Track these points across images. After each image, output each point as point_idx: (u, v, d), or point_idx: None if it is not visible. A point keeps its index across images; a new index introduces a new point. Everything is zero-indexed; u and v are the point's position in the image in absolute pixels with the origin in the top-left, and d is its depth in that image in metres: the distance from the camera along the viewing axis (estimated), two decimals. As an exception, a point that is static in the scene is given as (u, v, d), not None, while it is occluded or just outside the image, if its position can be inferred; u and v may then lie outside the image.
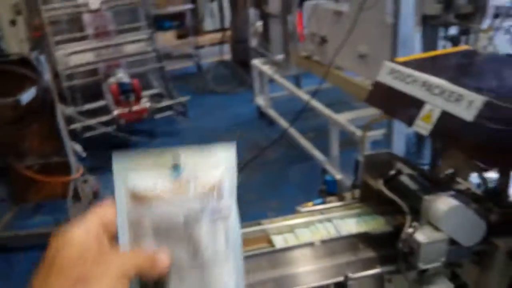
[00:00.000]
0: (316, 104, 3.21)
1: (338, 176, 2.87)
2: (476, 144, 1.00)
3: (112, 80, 4.08)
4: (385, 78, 1.29)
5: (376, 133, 2.51)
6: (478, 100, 1.00)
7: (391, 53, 2.39)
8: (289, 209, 1.30)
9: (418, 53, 2.17)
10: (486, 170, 1.15)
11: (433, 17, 1.96)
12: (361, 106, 3.15)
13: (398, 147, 2.40)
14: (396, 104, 1.24)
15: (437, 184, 1.18)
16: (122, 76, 4.11)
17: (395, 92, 1.23)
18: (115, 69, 4.22)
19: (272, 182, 3.46)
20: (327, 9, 3.29)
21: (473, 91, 1.04)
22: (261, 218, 1.20)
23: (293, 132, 3.62)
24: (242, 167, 3.03)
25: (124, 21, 4.33)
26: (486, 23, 1.86)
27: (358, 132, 2.57)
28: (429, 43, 2.25)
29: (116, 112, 3.96)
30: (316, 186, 1.71)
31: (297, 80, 4.41)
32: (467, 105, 1.02)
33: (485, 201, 1.09)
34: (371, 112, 2.51)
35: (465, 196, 1.07)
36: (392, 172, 1.24)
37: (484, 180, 1.18)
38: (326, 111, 3.09)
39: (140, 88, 4.09)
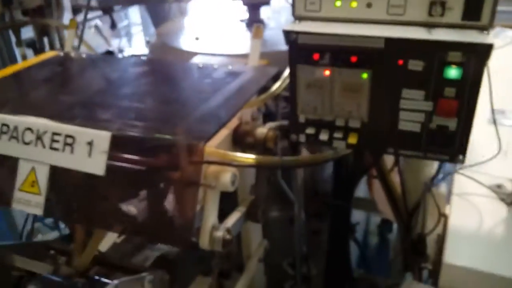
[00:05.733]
0: None
1: None
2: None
3: None
4: None
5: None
6: (102, 138, 0.62)
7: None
8: None
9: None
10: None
11: (-7, 17, 1.41)
12: None
13: None
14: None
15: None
16: None
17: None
18: None
19: None
20: None
21: (87, 125, 0.64)
22: None
23: None
24: None
25: None
26: (67, 19, 1.48)
27: None
28: (4, 52, 1.70)
29: None
30: None
31: None
32: (87, 150, 0.62)
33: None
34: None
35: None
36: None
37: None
38: None
39: None
